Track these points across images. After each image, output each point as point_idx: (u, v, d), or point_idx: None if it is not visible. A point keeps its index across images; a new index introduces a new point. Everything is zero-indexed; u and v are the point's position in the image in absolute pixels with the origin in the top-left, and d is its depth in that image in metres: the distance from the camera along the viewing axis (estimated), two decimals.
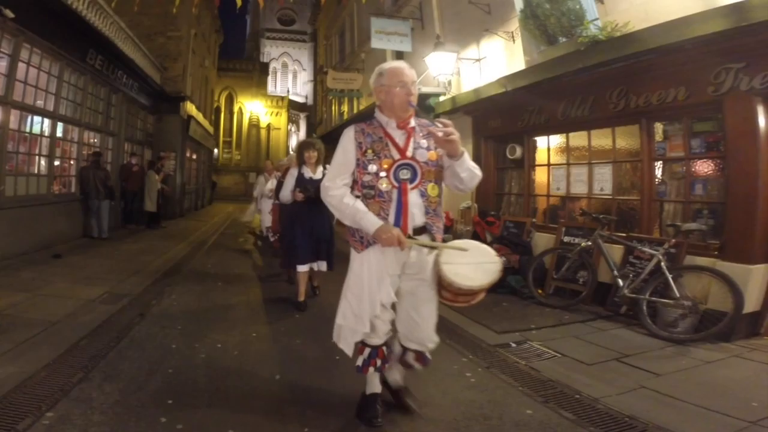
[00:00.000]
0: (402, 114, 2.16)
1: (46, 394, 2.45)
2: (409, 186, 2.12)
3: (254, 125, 33.98)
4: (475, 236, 6.31)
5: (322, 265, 4.57)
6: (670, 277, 3.96)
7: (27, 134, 6.92)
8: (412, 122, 2.21)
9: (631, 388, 2.85)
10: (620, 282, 4.42)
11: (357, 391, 2.45)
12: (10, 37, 5.93)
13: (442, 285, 2.06)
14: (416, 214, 2.13)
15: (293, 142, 35.95)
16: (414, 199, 2.12)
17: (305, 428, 2.29)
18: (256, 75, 34.16)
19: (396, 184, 2.12)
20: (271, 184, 7.04)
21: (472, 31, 7.66)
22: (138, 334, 3.60)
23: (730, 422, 2.43)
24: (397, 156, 2.13)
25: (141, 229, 10.20)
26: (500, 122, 6.79)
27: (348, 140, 2.19)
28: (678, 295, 3.89)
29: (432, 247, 2.12)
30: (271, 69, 38.27)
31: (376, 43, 9.66)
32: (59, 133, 7.68)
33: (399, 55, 10.95)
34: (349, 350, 2.28)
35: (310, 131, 32.37)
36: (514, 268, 5.44)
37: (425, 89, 8.42)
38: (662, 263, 4.07)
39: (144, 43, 11.10)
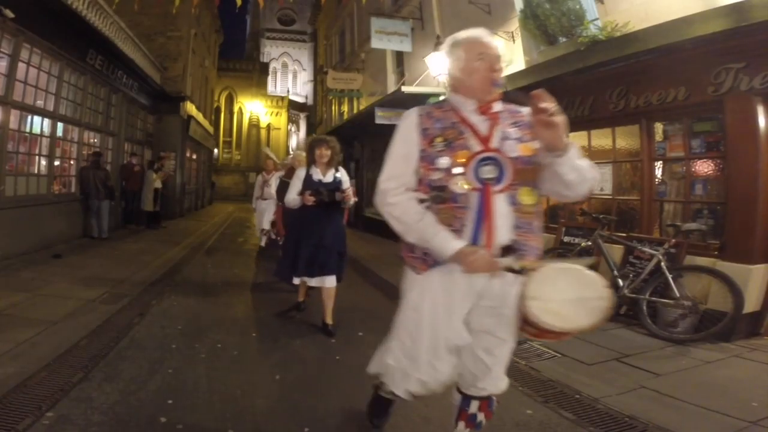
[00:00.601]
0: (483, 96, 1.61)
1: (46, 394, 2.45)
2: (494, 189, 1.54)
3: (254, 125, 33.99)
4: None
5: (328, 280, 3.81)
6: (670, 277, 3.96)
7: (27, 134, 6.91)
8: (498, 106, 1.65)
9: (631, 388, 2.85)
10: (620, 282, 4.42)
11: (357, 391, 2.45)
12: (10, 37, 5.92)
13: (526, 321, 1.53)
14: (502, 228, 1.54)
15: (293, 142, 35.94)
16: (500, 207, 1.55)
17: (305, 428, 2.29)
18: (256, 75, 34.17)
19: (477, 185, 1.54)
20: (276, 186, 6.73)
21: None
22: (138, 334, 3.60)
23: (730, 422, 2.43)
24: (477, 147, 1.57)
25: (141, 229, 10.20)
26: None
27: (409, 126, 1.65)
28: (678, 295, 3.90)
29: (519, 273, 1.54)
30: (271, 69, 38.28)
31: (376, 43, 9.67)
32: (59, 133, 7.68)
33: (399, 55, 10.97)
34: (404, 394, 1.81)
35: (310, 131, 32.37)
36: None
37: (425, 89, 8.44)
38: (662, 263, 4.07)
39: (144, 43, 11.10)
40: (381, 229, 10.20)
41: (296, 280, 3.93)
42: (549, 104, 1.42)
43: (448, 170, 1.56)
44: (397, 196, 1.63)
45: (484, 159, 1.56)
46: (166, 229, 10.66)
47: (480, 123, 1.61)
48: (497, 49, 1.62)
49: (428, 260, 1.62)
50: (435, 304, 1.64)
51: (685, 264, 4.20)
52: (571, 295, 1.47)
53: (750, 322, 3.86)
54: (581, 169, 1.51)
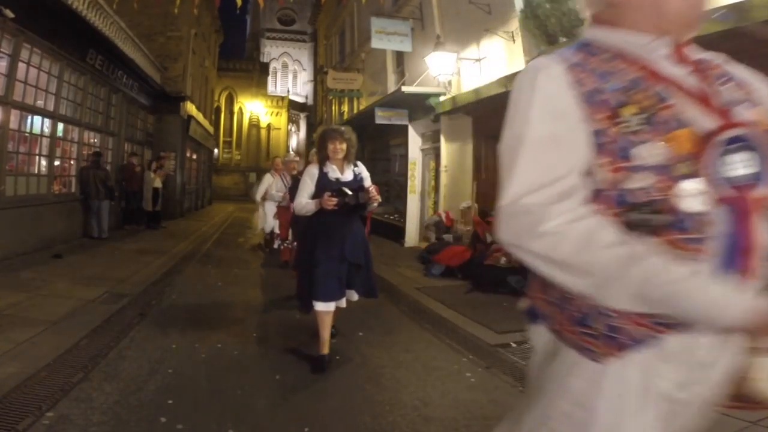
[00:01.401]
0: (684, 32, 0.87)
1: (46, 394, 2.45)
2: (754, 195, 0.80)
3: (254, 125, 33.99)
4: (475, 236, 6.31)
5: (350, 295, 3.23)
6: None
7: (27, 134, 6.92)
8: (693, 52, 0.92)
9: None
10: None
11: (357, 391, 2.45)
12: (10, 37, 5.92)
13: (737, 392, 1.01)
14: (763, 269, 0.83)
15: (293, 142, 35.93)
16: (761, 229, 0.82)
17: (305, 428, 2.29)
18: (256, 75, 34.17)
19: (727, 192, 0.78)
20: (276, 186, 6.70)
21: (472, 31, 7.66)
22: (138, 334, 3.60)
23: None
24: (707, 121, 0.81)
25: (141, 229, 10.20)
26: (501, 122, 6.74)
27: (553, 85, 0.85)
28: None
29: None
30: (271, 69, 38.26)
31: (376, 43, 9.67)
32: (59, 133, 7.69)
33: (399, 55, 10.98)
34: None
35: (310, 131, 32.37)
36: (514, 268, 5.44)
37: (425, 89, 8.44)
38: None
39: (144, 43, 11.10)
40: (380, 229, 10.20)
41: (320, 305, 3.01)
42: None
43: (665, 170, 0.78)
44: (558, 216, 0.78)
45: (732, 141, 0.79)
46: (166, 229, 10.67)
47: (685, 78, 0.86)
48: None
49: (621, 339, 0.81)
50: (629, 419, 0.83)
51: None
52: None
53: None
54: None
